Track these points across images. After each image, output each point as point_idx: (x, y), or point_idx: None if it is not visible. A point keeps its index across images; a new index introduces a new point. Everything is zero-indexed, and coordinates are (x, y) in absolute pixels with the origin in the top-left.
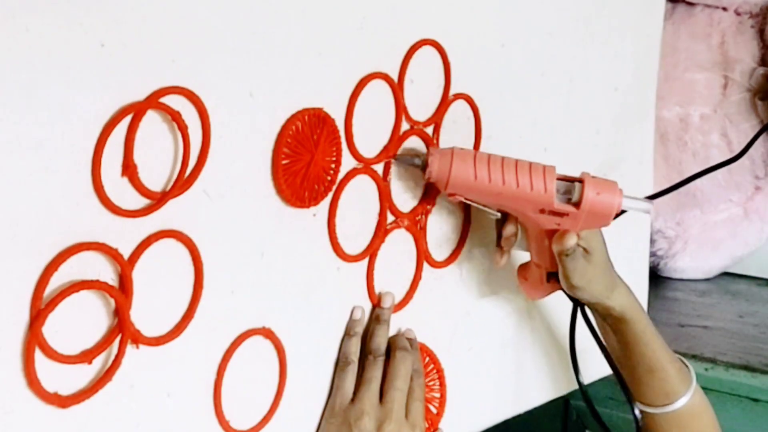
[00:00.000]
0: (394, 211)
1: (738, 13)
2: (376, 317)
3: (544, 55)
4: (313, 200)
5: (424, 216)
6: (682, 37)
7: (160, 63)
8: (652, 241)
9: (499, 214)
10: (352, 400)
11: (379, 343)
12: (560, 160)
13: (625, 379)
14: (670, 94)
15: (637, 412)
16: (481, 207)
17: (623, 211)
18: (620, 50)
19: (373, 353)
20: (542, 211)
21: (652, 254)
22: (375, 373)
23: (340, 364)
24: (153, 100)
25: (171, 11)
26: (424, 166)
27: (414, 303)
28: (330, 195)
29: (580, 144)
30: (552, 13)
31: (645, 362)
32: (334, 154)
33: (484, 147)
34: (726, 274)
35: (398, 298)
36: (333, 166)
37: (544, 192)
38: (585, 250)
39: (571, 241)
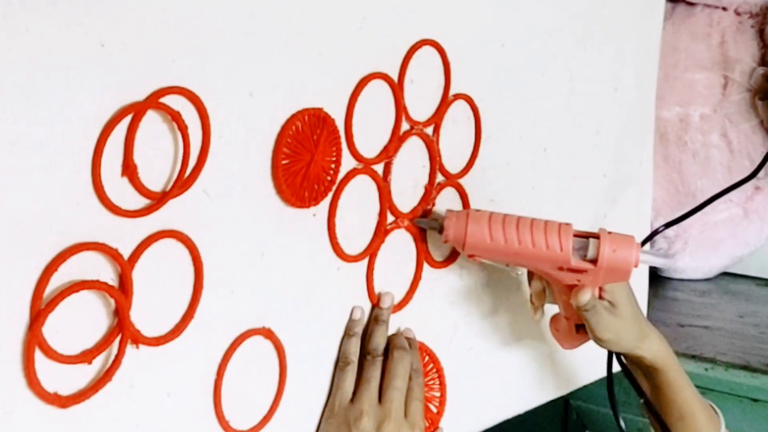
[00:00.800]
0: (394, 211)
1: (738, 13)
2: (374, 318)
3: (544, 55)
4: (313, 200)
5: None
6: (682, 37)
7: (160, 63)
8: (652, 242)
9: (519, 272)
10: (352, 400)
11: (378, 343)
12: (560, 160)
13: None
14: (670, 94)
15: None
16: (501, 266)
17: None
18: (620, 50)
19: (372, 353)
20: (561, 269)
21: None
22: (374, 373)
23: (339, 364)
24: (153, 100)
25: (171, 11)
26: (441, 229)
27: (414, 303)
28: (330, 195)
29: (579, 144)
30: (552, 13)
31: (677, 409)
32: (334, 154)
33: (484, 147)
34: (726, 274)
35: (398, 298)
36: (333, 166)
37: (560, 251)
38: (610, 303)
39: (585, 296)
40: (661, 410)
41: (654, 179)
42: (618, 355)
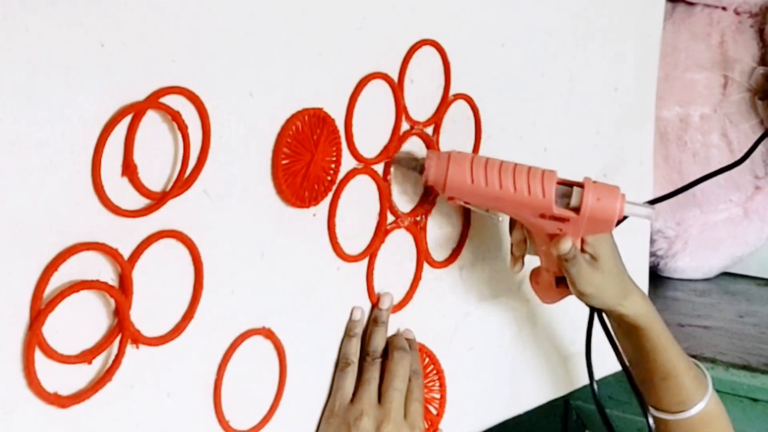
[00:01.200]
0: (394, 212)
1: (737, 13)
2: (374, 319)
3: (544, 55)
4: (313, 200)
5: (424, 216)
6: (682, 37)
7: (160, 63)
8: (652, 241)
9: (500, 218)
10: (352, 400)
11: (378, 344)
12: (560, 160)
13: (639, 385)
14: (670, 94)
15: (650, 419)
16: (481, 211)
17: (626, 217)
18: (620, 50)
19: (371, 354)
20: (542, 216)
21: (652, 254)
22: (373, 374)
23: (339, 365)
24: (153, 100)
25: (171, 11)
26: (421, 170)
27: (414, 303)
28: (330, 195)
29: (580, 144)
30: (552, 13)
31: (660, 369)
32: (334, 154)
33: (484, 147)
34: (726, 274)
35: (398, 299)
36: (333, 165)
37: (542, 197)
38: (592, 256)
39: (566, 245)
40: (644, 372)
41: (654, 179)
42: (600, 313)
